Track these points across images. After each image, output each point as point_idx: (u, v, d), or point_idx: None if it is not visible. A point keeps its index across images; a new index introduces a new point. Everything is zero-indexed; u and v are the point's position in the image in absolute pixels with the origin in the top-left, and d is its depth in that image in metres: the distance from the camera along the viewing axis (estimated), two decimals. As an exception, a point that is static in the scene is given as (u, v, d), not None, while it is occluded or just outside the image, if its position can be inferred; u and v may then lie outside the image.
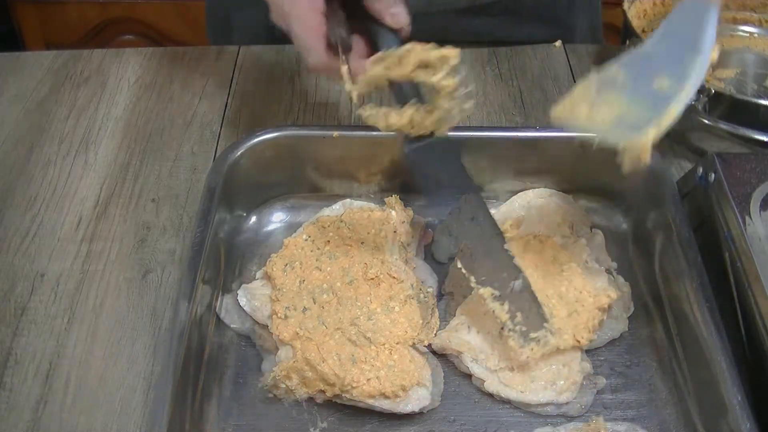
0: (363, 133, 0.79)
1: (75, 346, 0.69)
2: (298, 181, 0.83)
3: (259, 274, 0.75)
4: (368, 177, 0.82)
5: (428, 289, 0.73)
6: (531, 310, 0.67)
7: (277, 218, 0.82)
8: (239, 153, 0.78)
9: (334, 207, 0.80)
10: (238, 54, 0.99)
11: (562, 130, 0.83)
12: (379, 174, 0.82)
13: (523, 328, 0.67)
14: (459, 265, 0.69)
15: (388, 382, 0.64)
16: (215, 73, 0.97)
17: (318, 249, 0.74)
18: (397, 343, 0.68)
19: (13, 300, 0.72)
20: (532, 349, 0.66)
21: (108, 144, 0.88)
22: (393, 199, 0.79)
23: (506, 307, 0.67)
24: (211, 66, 0.98)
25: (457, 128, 0.84)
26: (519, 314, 0.67)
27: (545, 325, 0.66)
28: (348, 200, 0.81)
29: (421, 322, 0.70)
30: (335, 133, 0.79)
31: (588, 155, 0.81)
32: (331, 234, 0.75)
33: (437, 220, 0.81)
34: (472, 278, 0.68)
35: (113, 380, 0.67)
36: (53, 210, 0.80)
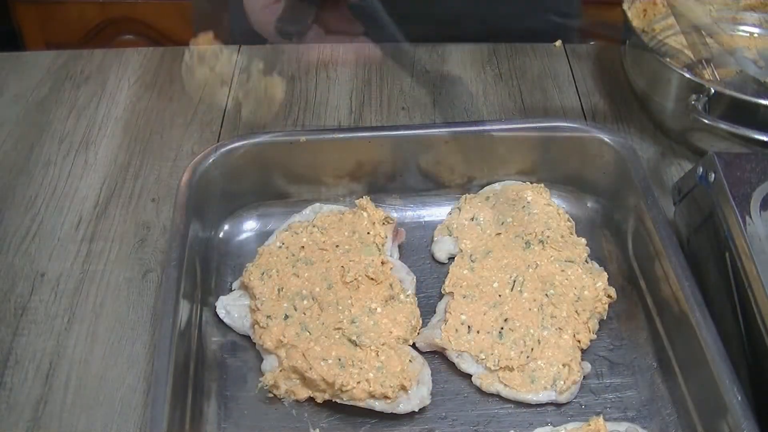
0: (330, 136, 0.79)
1: (75, 346, 0.69)
2: (267, 188, 0.81)
3: (236, 285, 0.74)
4: (336, 180, 0.82)
5: (408, 292, 0.72)
6: None
7: (248, 227, 0.81)
8: (209, 162, 0.77)
9: (304, 212, 0.79)
10: (238, 54, 0.99)
11: (562, 130, 0.83)
12: (347, 176, 0.81)
13: None
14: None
15: (389, 383, 0.64)
16: (215, 73, 0.97)
17: (293, 255, 0.73)
18: (396, 343, 0.68)
19: (13, 300, 0.72)
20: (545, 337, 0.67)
21: (108, 144, 0.88)
22: (364, 201, 0.78)
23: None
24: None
25: (451, 123, 0.84)
26: None
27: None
28: (317, 204, 0.80)
29: (421, 322, 0.71)
30: (302, 138, 0.79)
31: (588, 155, 0.81)
32: (304, 239, 0.74)
33: (436, 220, 0.81)
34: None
35: (113, 380, 0.67)
36: (53, 210, 0.80)
